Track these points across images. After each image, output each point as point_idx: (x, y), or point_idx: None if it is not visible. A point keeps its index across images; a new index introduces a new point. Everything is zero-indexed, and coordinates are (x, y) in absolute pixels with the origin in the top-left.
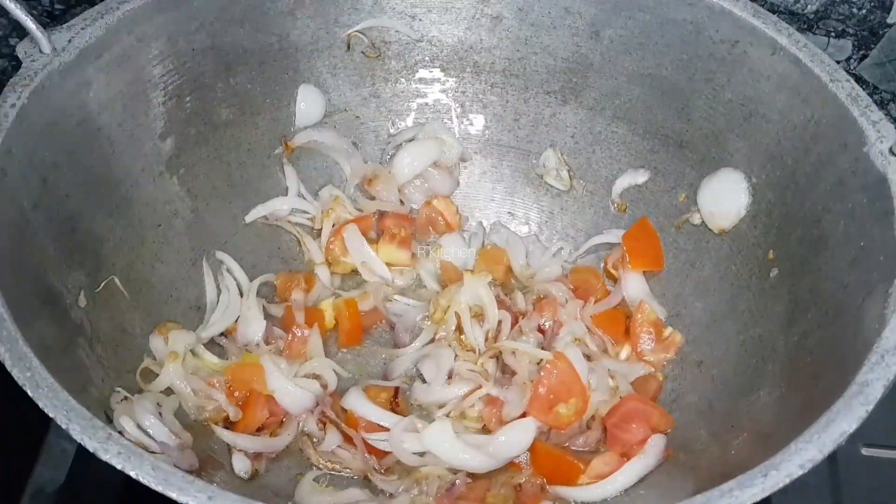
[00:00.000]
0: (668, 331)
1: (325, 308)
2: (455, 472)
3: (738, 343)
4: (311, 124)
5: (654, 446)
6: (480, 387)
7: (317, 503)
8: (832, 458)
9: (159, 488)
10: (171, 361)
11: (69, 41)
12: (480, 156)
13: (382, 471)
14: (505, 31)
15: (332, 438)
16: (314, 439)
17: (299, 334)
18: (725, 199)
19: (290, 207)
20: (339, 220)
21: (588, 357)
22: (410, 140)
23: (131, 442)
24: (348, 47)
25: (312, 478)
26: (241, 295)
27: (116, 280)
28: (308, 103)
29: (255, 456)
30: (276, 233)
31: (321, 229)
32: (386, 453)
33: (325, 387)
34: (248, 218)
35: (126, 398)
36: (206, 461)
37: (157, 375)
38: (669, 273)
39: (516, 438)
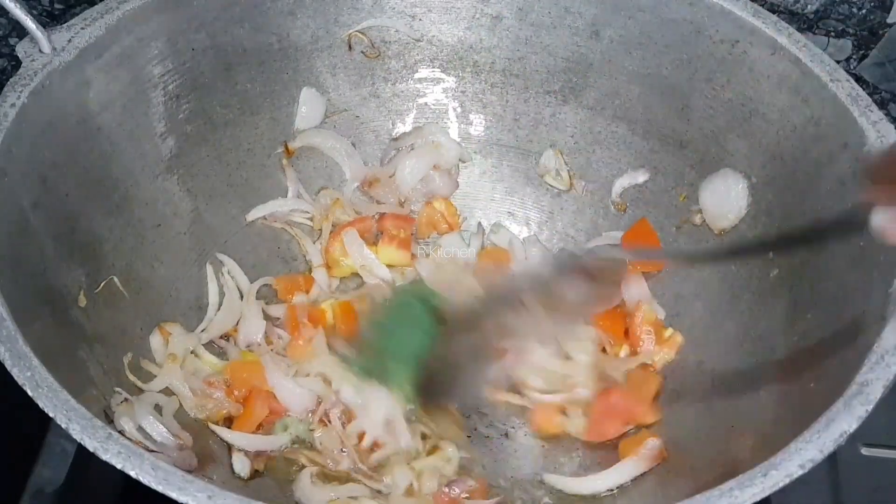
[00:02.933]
0: (668, 332)
1: (325, 308)
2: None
3: (738, 343)
4: (310, 127)
5: (650, 448)
6: None
7: (318, 499)
8: (832, 458)
9: (159, 488)
10: (170, 363)
11: (69, 41)
12: (480, 156)
13: (371, 469)
14: (505, 31)
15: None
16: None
17: (306, 335)
18: (725, 199)
19: (290, 208)
20: (339, 222)
21: None
22: (410, 148)
23: (131, 441)
24: (349, 47)
25: (310, 474)
26: (242, 297)
27: (116, 280)
28: (309, 107)
29: (256, 455)
30: (276, 233)
31: (321, 230)
32: (373, 451)
33: (329, 384)
34: (249, 217)
35: (126, 399)
36: (206, 461)
37: (155, 375)
38: (669, 273)
39: None
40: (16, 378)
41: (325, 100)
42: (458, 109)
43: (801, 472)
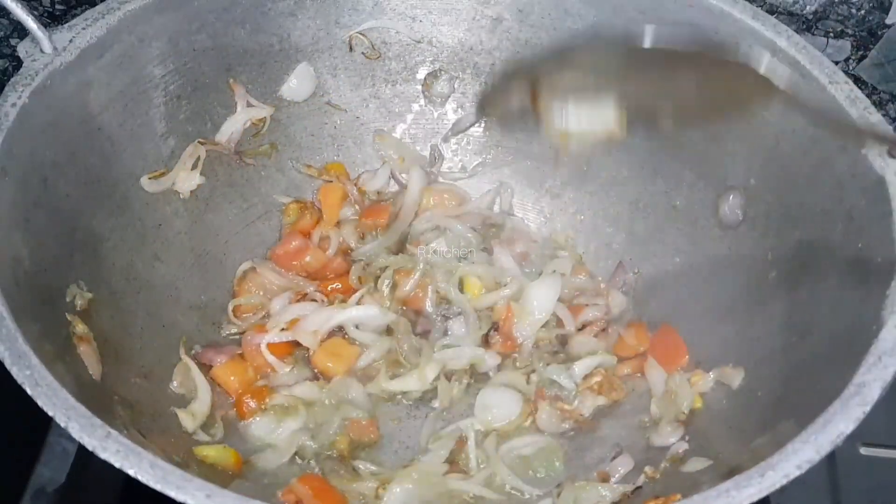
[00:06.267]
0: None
1: None
2: None
3: (736, 344)
4: (298, 100)
5: None
6: None
7: None
8: (831, 458)
9: (157, 486)
10: None
11: (70, 41)
12: (480, 157)
13: None
14: (505, 33)
15: None
16: None
17: None
18: None
19: None
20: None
21: None
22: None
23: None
24: (350, 48)
25: None
26: None
27: (116, 280)
28: (299, 81)
29: None
30: (276, 234)
31: None
32: None
33: None
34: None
35: None
36: None
37: None
38: (669, 274)
39: None
40: (15, 377)
41: (316, 79)
42: (459, 111)
43: (798, 473)
